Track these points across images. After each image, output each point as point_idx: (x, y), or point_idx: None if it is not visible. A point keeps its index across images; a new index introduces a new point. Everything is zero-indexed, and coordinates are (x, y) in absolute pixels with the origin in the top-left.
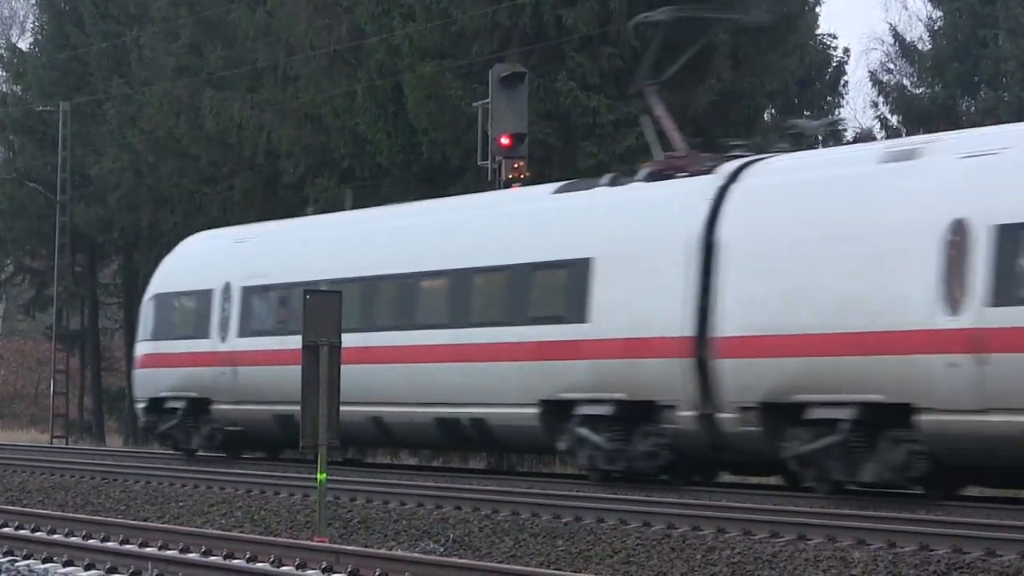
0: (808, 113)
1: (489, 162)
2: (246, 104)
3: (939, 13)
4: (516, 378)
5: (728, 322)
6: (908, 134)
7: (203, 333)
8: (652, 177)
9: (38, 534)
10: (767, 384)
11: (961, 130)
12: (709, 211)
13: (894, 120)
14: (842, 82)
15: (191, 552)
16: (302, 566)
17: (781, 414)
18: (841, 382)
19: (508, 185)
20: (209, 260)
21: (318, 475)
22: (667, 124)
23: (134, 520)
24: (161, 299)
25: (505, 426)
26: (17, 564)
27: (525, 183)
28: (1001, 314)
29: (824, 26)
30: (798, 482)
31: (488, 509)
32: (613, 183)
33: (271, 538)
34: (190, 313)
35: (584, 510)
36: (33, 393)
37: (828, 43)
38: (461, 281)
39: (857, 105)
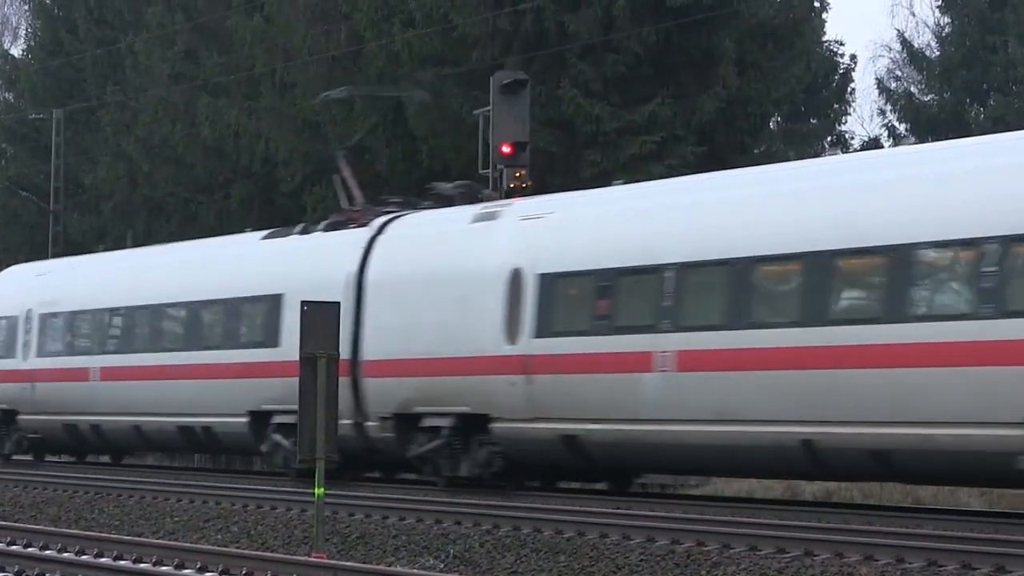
0: (814, 121)
1: (490, 171)
2: (243, 111)
3: (947, 19)
4: (231, 393)
5: (370, 348)
6: (917, 142)
7: (11, 353)
8: (329, 227)
9: (30, 550)
10: (397, 398)
11: (542, 196)
12: (361, 257)
13: (902, 128)
14: (849, 89)
15: (186, 568)
16: None
17: (407, 422)
18: (443, 397)
19: (510, 194)
20: (18, 289)
21: (316, 489)
22: (351, 183)
23: (128, 536)
24: None
25: (226, 432)
26: None
27: (527, 192)
28: (541, 344)
29: (831, 33)
30: (422, 475)
31: (489, 524)
32: (303, 232)
33: (268, 554)
34: (2, 335)
35: (587, 525)
36: None
37: (835, 50)
38: (193, 311)
39: (864, 113)
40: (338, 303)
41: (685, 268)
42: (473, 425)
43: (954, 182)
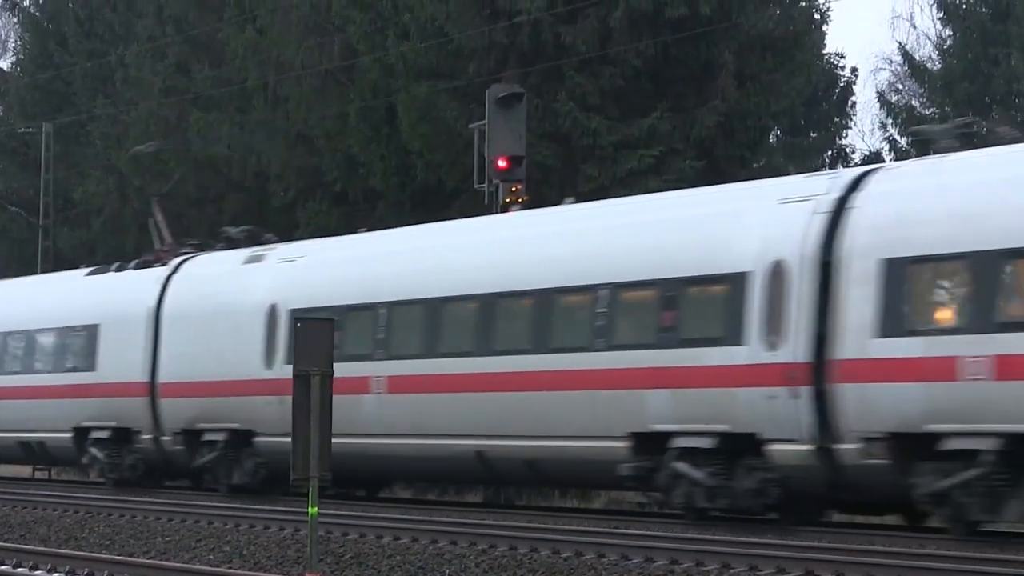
0: (815, 134)
1: (486, 185)
2: (235, 125)
3: (949, 31)
4: (60, 411)
5: (165, 372)
6: (917, 155)
7: None
8: (139, 266)
9: (20, 570)
10: (185, 416)
11: (301, 241)
12: (159, 292)
13: (903, 142)
14: (850, 103)
15: None
16: None
17: (193, 437)
18: (219, 415)
19: (506, 209)
20: None
21: (309, 509)
22: (163, 227)
23: (119, 555)
24: None
25: (56, 447)
26: None
27: (524, 207)
28: (291, 369)
29: (831, 45)
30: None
31: (485, 544)
32: (118, 270)
33: (261, 574)
34: None
35: (584, 545)
36: None
37: (835, 63)
38: (29, 338)
39: (865, 126)
40: (332, 319)
41: (393, 306)
42: (242, 439)
43: (583, 236)
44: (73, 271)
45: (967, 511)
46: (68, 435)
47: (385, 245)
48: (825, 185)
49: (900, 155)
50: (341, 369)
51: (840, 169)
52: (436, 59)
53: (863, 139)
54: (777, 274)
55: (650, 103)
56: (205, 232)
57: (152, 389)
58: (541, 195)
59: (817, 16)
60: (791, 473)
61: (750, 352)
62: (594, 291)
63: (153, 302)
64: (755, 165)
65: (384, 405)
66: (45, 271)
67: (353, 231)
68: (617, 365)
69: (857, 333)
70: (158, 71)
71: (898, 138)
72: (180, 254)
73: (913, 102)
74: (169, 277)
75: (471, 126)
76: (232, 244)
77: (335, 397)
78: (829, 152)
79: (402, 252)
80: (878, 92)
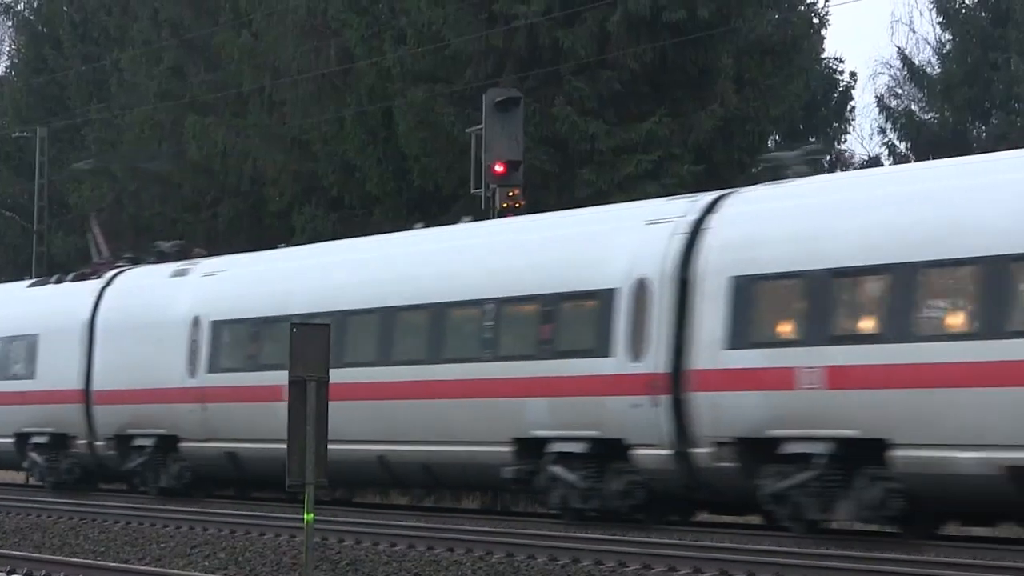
0: (813, 139)
1: (483, 190)
2: (230, 130)
3: (948, 36)
4: (2, 417)
5: (99, 380)
6: (917, 160)
7: None
8: (76, 278)
9: None
10: (117, 422)
11: (224, 256)
12: (93, 304)
13: (902, 147)
14: (849, 107)
15: None
16: None
17: (124, 442)
18: (147, 421)
19: (503, 214)
20: None
21: (305, 515)
22: (100, 240)
23: (114, 562)
24: None
25: (2, 452)
26: None
27: (520, 212)
28: (212, 378)
29: (830, 50)
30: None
31: (482, 551)
32: (57, 282)
33: None
34: None
35: (581, 552)
36: None
37: (834, 67)
38: None
39: (864, 131)
40: (328, 325)
41: (303, 319)
42: (169, 444)
43: (474, 253)
44: (16, 282)
45: (804, 510)
46: (10, 440)
47: (296, 261)
48: (684, 208)
49: (899, 160)
50: (259, 378)
51: (699, 194)
52: (433, 63)
53: (862, 144)
54: (641, 291)
55: (648, 108)
56: (201, 237)
57: (87, 396)
58: (538, 200)
59: (816, 20)
60: (653, 476)
61: (617, 363)
62: (482, 305)
63: (88, 313)
64: (753, 170)
65: None
66: (39, 275)
67: (350, 236)
68: (502, 375)
69: (709, 345)
70: (153, 75)
71: (897, 143)
72: (115, 267)
73: (912, 107)
74: (103, 289)
75: (468, 131)
76: (164, 258)
77: (252, 405)
78: (828, 157)
79: (312, 267)
80: (877, 97)
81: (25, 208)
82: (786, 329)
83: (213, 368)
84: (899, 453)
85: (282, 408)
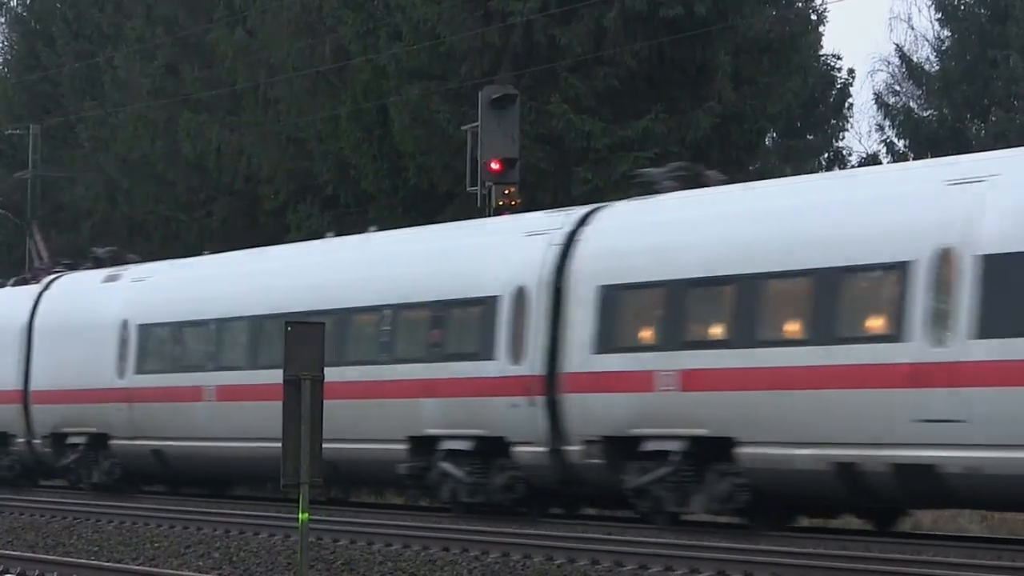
0: (811, 137)
1: (479, 188)
2: (225, 127)
3: (947, 33)
4: None
5: (36, 380)
6: (916, 158)
7: None
8: (18, 283)
9: None
10: (53, 421)
11: (152, 263)
12: (31, 308)
13: (901, 144)
14: (847, 104)
15: None
16: None
17: (60, 441)
18: (80, 420)
19: (499, 212)
20: None
21: (300, 515)
22: (41, 247)
23: (108, 562)
24: None
25: None
26: None
27: (517, 210)
28: (139, 379)
29: (828, 47)
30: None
31: (477, 550)
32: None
33: None
34: None
35: (578, 551)
36: None
37: (832, 64)
38: None
39: (862, 129)
40: (323, 323)
41: (222, 322)
42: (100, 442)
43: (374, 262)
44: None
45: (663, 504)
46: None
47: (216, 268)
48: (561, 220)
49: (897, 158)
50: (181, 379)
51: (575, 208)
52: (428, 60)
53: (860, 141)
54: (520, 298)
55: (645, 105)
56: (195, 236)
57: (25, 396)
58: (535, 198)
59: (814, 17)
60: (532, 472)
61: (499, 366)
62: (380, 311)
63: (26, 317)
64: (751, 168)
65: (214, 411)
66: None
67: (345, 234)
68: (398, 377)
69: (580, 349)
70: (147, 72)
71: (895, 140)
72: (53, 272)
73: (911, 104)
74: (41, 294)
75: (464, 128)
76: (99, 263)
77: (175, 404)
78: (826, 154)
79: (229, 275)
80: (875, 94)
81: (18, 206)
82: (646, 335)
83: (140, 369)
84: (744, 450)
85: (202, 408)
